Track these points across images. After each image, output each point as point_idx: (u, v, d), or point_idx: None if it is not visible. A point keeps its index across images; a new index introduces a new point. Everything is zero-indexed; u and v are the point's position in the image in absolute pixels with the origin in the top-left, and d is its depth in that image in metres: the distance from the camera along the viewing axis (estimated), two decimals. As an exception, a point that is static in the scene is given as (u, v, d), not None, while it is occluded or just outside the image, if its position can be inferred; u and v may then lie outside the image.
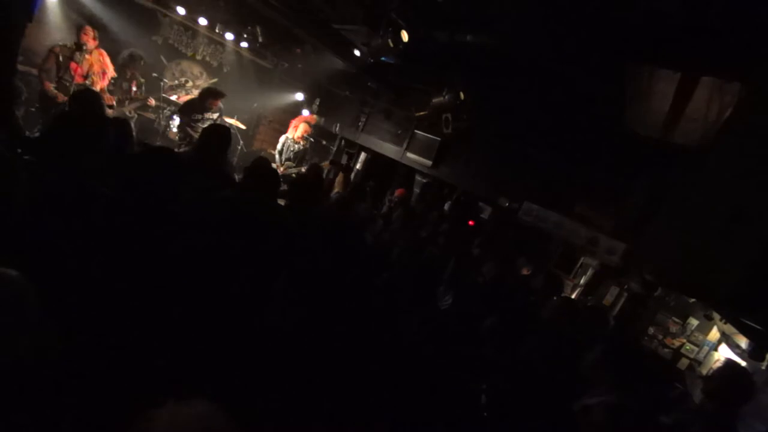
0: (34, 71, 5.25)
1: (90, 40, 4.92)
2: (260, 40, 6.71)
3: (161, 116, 6.36)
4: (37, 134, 2.36)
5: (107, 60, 5.18)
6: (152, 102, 5.94)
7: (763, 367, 3.33)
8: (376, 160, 7.55)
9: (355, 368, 2.14)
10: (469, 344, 2.35)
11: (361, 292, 2.67)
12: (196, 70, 7.67)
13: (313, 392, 1.92)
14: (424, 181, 6.87)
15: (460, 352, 2.32)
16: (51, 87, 4.70)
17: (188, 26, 7.31)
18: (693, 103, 2.68)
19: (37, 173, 1.69)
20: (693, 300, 4.15)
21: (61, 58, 4.76)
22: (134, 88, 5.65)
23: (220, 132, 3.09)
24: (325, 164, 6.68)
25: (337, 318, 2.34)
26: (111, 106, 5.18)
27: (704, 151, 2.44)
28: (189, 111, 5.47)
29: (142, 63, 5.88)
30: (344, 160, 7.76)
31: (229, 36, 7.01)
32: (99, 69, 5.04)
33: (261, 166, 2.68)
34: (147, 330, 1.67)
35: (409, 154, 6.58)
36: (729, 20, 2.30)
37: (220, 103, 5.70)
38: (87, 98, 3.25)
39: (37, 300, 1.01)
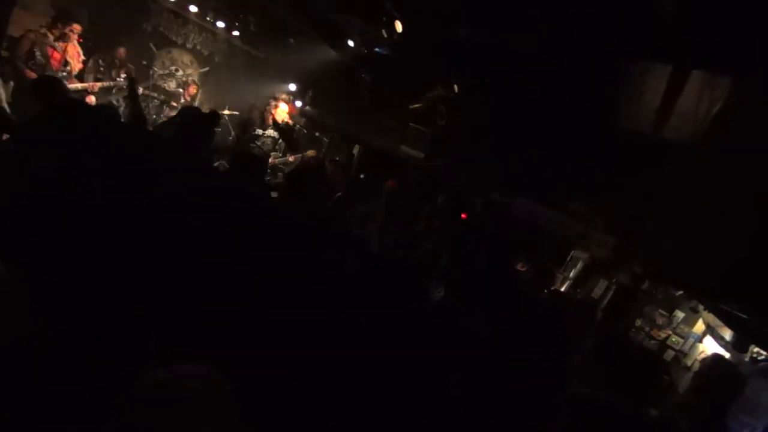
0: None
1: (75, 37, 4.86)
2: (252, 29, 6.61)
3: (150, 106, 6.26)
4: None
5: (77, 44, 5.10)
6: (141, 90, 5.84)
7: (747, 359, 3.42)
8: (369, 152, 7.52)
9: (344, 361, 2.15)
10: (457, 336, 2.37)
11: (352, 285, 2.67)
12: (187, 58, 7.54)
13: (301, 384, 1.92)
14: (417, 174, 6.86)
15: (448, 344, 2.35)
16: (34, 76, 4.59)
17: (179, 13, 7.16)
18: (683, 98, 2.70)
19: (27, 165, 1.66)
20: (679, 293, 4.23)
21: (36, 46, 4.64)
22: (123, 75, 5.53)
23: (204, 118, 2.97)
24: (311, 153, 6.58)
25: (326, 310, 2.35)
26: (93, 92, 5.08)
27: (694, 146, 2.47)
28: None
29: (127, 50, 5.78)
30: (342, 157, 7.66)
31: (221, 24, 6.89)
32: (74, 51, 4.94)
33: (248, 153, 2.65)
34: (133, 323, 1.66)
35: (403, 147, 6.56)
36: (722, 17, 2.31)
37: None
38: (52, 86, 3.02)
39: (21, 292, 1.00)
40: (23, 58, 4.56)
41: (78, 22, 4.96)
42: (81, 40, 4.98)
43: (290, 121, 6.04)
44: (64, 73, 4.76)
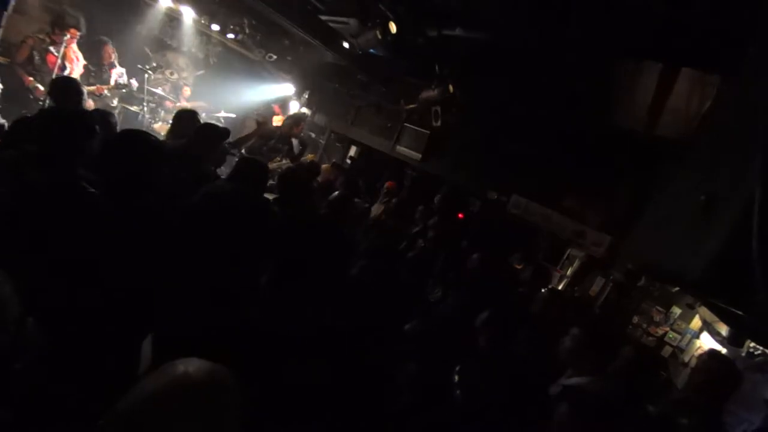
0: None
1: (72, 42, 4.94)
2: (247, 31, 6.61)
3: (145, 109, 6.25)
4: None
5: (76, 47, 5.16)
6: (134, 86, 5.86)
7: (743, 354, 3.43)
8: (366, 153, 7.53)
9: (343, 361, 2.15)
10: (457, 336, 2.38)
11: (349, 286, 2.67)
12: (182, 61, 7.53)
13: (300, 385, 1.92)
14: (414, 174, 6.87)
15: (448, 343, 2.35)
16: (32, 81, 4.63)
17: (173, 16, 7.16)
18: (674, 95, 2.73)
19: (21, 170, 1.66)
20: (676, 289, 4.25)
21: (35, 51, 4.72)
22: (115, 77, 5.52)
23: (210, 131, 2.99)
24: (310, 157, 6.58)
25: (324, 312, 2.35)
26: (100, 95, 5.16)
27: (685, 142, 2.49)
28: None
29: (111, 46, 5.77)
30: (338, 158, 7.66)
31: (216, 27, 6.88)
32: (73, 56, 5.01)
33: (249, 159, 2.66)
34: (130, 327, 1.66)
35: (399, 148, 6.57)
36: (711, 14, 2.33)
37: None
38: (68, 89, 3.10)
39: (16, 295, 0.99)
40: (23, 63, 4.69)
41: (75, 27, 5.06)
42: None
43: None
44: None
